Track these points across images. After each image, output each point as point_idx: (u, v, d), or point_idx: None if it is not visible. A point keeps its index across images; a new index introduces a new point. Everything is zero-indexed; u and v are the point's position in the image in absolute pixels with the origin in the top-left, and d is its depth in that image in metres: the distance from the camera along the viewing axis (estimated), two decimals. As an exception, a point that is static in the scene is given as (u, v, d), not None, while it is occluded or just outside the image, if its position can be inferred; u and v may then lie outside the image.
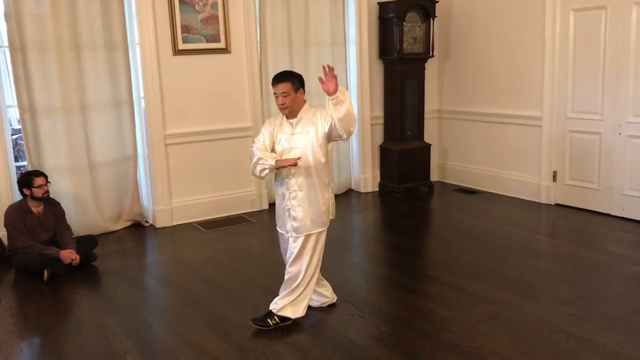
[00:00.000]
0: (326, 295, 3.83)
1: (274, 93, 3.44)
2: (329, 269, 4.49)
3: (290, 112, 3.45)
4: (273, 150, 3.52)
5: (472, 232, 5.31)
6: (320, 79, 3.23)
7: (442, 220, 6.08)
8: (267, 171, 3.39)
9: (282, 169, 3.41)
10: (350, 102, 3.27)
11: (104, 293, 4.30)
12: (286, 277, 3.57)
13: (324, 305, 3.82)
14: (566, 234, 5.28)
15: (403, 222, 5.81)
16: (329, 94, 3.20)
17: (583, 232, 5.21)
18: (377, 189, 6.93)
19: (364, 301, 3.95)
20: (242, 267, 4.65)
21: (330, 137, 3.44)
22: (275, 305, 3.54)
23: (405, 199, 6.56)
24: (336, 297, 3.88)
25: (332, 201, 3.61)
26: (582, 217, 5.62)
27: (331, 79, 3.18)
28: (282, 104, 3.41)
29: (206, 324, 3.65)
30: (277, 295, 3.60)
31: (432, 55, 6.68)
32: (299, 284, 3.53)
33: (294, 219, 3.50)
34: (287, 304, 3.54)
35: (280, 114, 3.54)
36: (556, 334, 3.37)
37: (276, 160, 3.35)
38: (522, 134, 6.25)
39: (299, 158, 3.36)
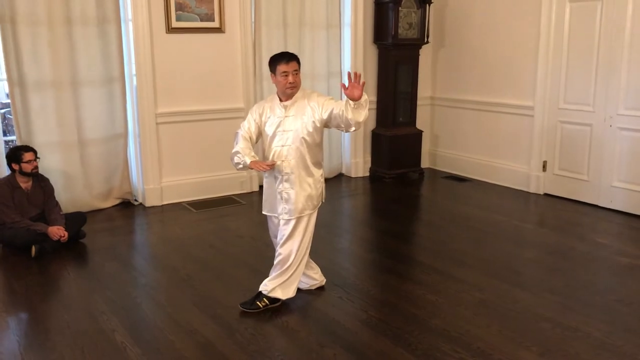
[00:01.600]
0: (315, 277, 3.84)
1: (284, 72, 3.36)
2: (318, 253, 4.50)
3: (293, 93, 3.43)
4: (259, 136, 3.53)
5: (461, 220, 5.34)
6: (343, 85, 3.22)
7: (432, 206, 6.11)
8: (241, 166, 3.41)
9: (270, 154, 3.47)
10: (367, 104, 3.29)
11: (91, 271, 4.28)
12: (277, 259, 3.57)
13: (313, 287, 3.84)
14: (554, 223, 5.32)
15: (393, 208, 5.82)
16: (353, 99, 3.19)
17: (570, 222, 5.25)
18: (367, 174, 6.94)
19: (353, 285, 3.97)
20: (231, 248, 4.65)
21: (328, 124, 3.43)
22: (266, 287, 3.55)
23: (396, 184, 6.57)
24: (325, 280, 3.90)
25: (323, 185, 3.61)
26: (570, 207, 5.66)
27: (358, 86, 3.17)
28: (292, 83, 3.37)
29: (195, 303, 3.65)
30: (267, 277, 3.60)
31: (427, 42, 6.66)
32: (289, 265, 3.54)
33: (286, 201, 3.49)
34: (278, 286, 3.55)
35: (269, 97, 3.53)
36: (542, 321, 3.41)
37: (252, 161, 3.35)
38: (513, 123, 6.26)
39: (274, 164, 3.41)
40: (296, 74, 3.38)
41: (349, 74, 3.23)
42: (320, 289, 3.87)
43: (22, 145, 4.79)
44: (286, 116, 3.44)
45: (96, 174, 5.52)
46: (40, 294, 3.84)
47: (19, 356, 3.06)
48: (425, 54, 6.90)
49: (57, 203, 4.81)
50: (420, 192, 6.52)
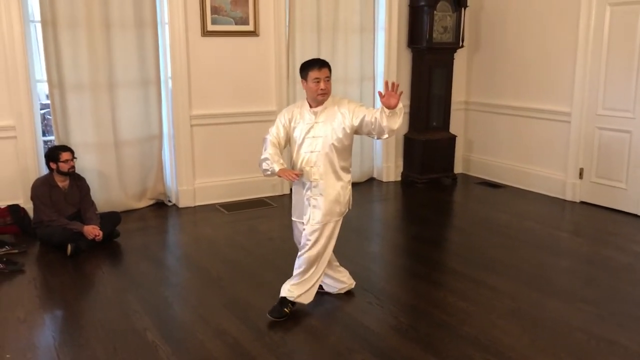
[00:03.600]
0: (343, 281, 3.82)
1: (316, 78, 3.35)
2: (348, 257, 4.49)
3: (324, 99, 3.42)
4: (287, 141, 3.53)
5: (494, 226, 5.26)
6: (380, 93, 3.22)
7: (464, 212, 6.03)
8: (269, 173, 3.39)
9: (297, 162, 3.47)
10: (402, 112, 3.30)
11: (125, 270, 4.36)
12: (301, 265, 3.53)
13: (342, 291, 3.83)
14: (590, 232, 5.20)
15: (424, 213, 5.77)
16: (389, 108, 3.20)
17: (607, 232, 5.13)
18: (399, 178, 6.89)
19: (383, 290, 3.95)
20: (262, 250, 4.67)
21: (359, 131, 3.43)
22: (292, 294, 3.51)
23: (428, 189, 6.51)
24: (354, 283, 3.88)
25: (350, 191, 3.59)
26: (607, 216, 5.52)
27: (395, 95, 3.18)
28: (324, 89, 3.36)
29: (225, 305, 3.68)
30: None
31: (462, 46, 6.59)
32: (314, 271, 3.52)
33: (314, 207, 3.47)
34: (303, 292, 3.52)
35: (299, 103, 3.54)
36: (577, 332, 3.33)
37: (280, 169, 3.33)
38: (549, 129, 6.15)
39: (301, 173, 3.41)
40: (328, 80, 3.38)
41: (386, 83, 3.22)
42: (349, 293, 3.85)
43: (60, 145, 4.90)
44: (316, 122, 3.43)
45: (131, 174, 5.61)
46: (75, 292, 3.92)
47: (53, 352, 3.13)
48: (460, 58, 6.83)
49: (92, 202, 4.90)
50: (453, 198, 6.45)
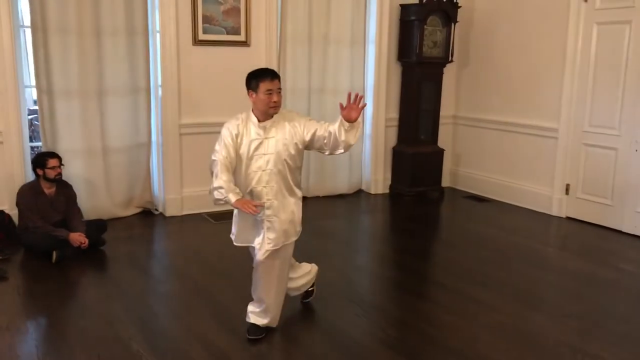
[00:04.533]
0: (306, 270, 3.69)
1: (268, 90, 3.11)
2: (336, 269, 4.50)
3: (275, 112, 3.19)
4: (236, 162, 3.19)
5: (481, 240, 5.29)
6: (341, 105, 3.07)
7: (452, 226, 6.06)
8: (221, 202, 3.08)
9: (253, 176, 3.18)
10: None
11: (110, 278, 4.32)
12: (268, 292, 3.34)
13: (309, 288, 3.74)
14: (576, 248, 5.24)
15: (412, 226, 5.79)
16: (350, 121, 3.06)
17: (593, 247, 5.17)
18: (387, 191, 6.91)
19: (370, 303, 3.94)
20: (249, 260, 4.61)
21: (310, 146, 3.24)
22: (264, 321, 3.38)
23: (415, 202, 6.53)
24: (316, 267, 3.77)
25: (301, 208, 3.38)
26: (593, 232, 5.57)
27: (357, 108, 3.05)
28: (277, 102, 3.14)
29: (211, 315, 3.65)
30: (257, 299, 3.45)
31: (451, 60, 6.65)
32: (277, 295, 3.39)
33: (269, 229, 3.23)
34: (271, 318, 3.39)
35: (241, 116, 3.22)
36: (562, 347, 3.34)
37: (237, 200, 2.99)
38: (536, 145, 6.21)
39: (263, 204, 3.14)
40: (279, 92, 3.16)
41: (349, 95, 3.09)
42: (336, 305, 3.83)
43: (48, 152, 4.87)
44: (266, 138, 3.17)
45: (118, 182, 5.57)
46: (59, 299, 3.88)
47: (36, 360, 3.09)
48: (449, 73, 6.89)
49: (79, 210, 4.86)
50: (440, 211, 6.48)
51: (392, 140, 6.88)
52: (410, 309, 3.85)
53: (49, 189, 4.70)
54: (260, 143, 3.18)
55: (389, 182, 6.94)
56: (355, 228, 5.89)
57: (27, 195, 4.63)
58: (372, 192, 6.84)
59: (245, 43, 5.83)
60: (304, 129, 3.20)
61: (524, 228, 5.69)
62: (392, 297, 4.15)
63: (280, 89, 3.18)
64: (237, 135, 3.17)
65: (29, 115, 5.66)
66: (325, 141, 3.17)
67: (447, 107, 7.05)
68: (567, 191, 5.95)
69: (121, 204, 5.63)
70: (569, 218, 5.95)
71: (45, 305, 3.79)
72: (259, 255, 3.27)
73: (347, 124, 3.08)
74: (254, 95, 3.17)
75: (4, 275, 4.15)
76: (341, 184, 6.69)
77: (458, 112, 7.17)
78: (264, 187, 3.19)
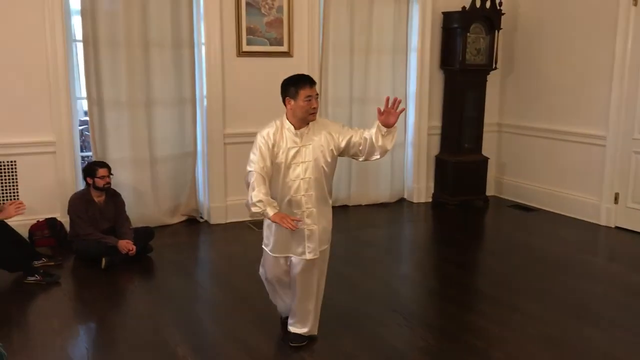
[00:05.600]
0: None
1: (308, 96, 3.08)
2: (377, 277, 4.49)
3: (313, 119, 3.18)
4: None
5: (527, 251, 5.19)
6: (379, 110, 3.07)
7: (496, 235, 5.96)
8: (260, 216, 3.04)
9: (291, 182, 3.12)
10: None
11: (157, 284, 4.42)
12: (308, 300, 3.33)
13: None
14: (626, 258, 5.09)
15: (455, 236, 5.73)
16: (387, 126, 3.07)
17: (644, 258, 5.01)
18: (430, 199, 6.85)
19: (412, 312, 3.92)
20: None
21: (344, 153, 3.23)
22: (304, 330, 3.39)
23: (459, 212, 6.46)
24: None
25: None
26: (644, 242, 5.40)
27: (395, 113, 3.07)
28: (316, 108, 3.13)
29: (253, 322, 3.69)
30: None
31: (495, 68, 6.57)
32: (319, 300, 3.41)
33: (309, 238, 3.19)
34: (311, 326, 3.40)
35: (275, 124, 3.18)
36: (611, 361, 3.26)
37: (275, 215, 2.95)
38: (584, 153, 6.06)
39: (300, 220, 3.07)
40: (317, 98, 3.15)
41: (387, 99, 3.08)
42: (378, 311, 3.83)
43: (98, 161, 5.03)
44: (303, 145, 3.14)
45: (165, 190, 5.71)
46: (108, 305, 3.99)
47: (86, 363, 3.19)
48: (493, 80, 6.80)
49: (127, 217, 5.00)
50: (485, 221, 6.39)
51: (435, 149, 6.83)
52: (453, 319, 3.81)
53: (98, 198, 4.85)
54: (298, 151, 3.14)
55: (431, 190, 6.88)
56: (398, 237, 5.87)
57: (78, 203, 4.78)
58: (415, 200, 6.80)
59: (287, 54, 5.90)
60: (339, 136, 3.18)
61: (571, 238, 5.56)
62: (434, 307, 4.11)
63: (317, 94, 3.17)
64: (273, 145, 3.12)
65: (79, 125, 5.86)
66: (360, 147, 3.17)
67: (491, 115, 6.96)
68: (616, 200, 5.79)
69: (167, 212, 5.76)
70: (618, 228, 5.78)
71: (95, 310, 3.91)
72: (300, 266, 3.24)
73: (384, 129, 3.08)
74: (291, 103, 3.13)
75: (56, 280, 4.30)
76: (383, 193, 6.67)
77: (502, 120, 7.07)
78: (303, 195, 3.15)
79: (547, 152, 6.49)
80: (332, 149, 3.17)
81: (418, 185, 6.79)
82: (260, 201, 2.97)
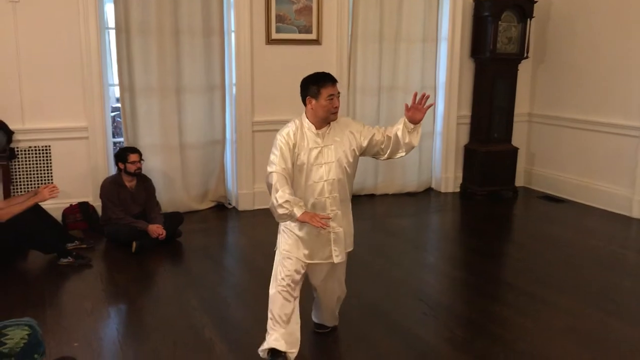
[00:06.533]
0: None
1: (330, 95, 2.94)
2: (404, 267, 4.50)
3: (335, 118, 3.05)
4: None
5: (556, 242, 5.13)
6: (407, 106, 2.99)
7: (525, 227, 5.91)
8: (286, 218, 2.88)
9: (316, 186, 2.99)
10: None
11: (186, 268, 4.51)
12: (329, 305, 3.33)
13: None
14: (658, 252, 5.00)
15: (483, 226, 5.69)
16: (414, 122, 2.99)
17: (677, 252, 4.92)
18: (458, 189, 6.81)
19: (437, 302, 3.92)
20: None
21: (367, 152, 3.12)
22: (330, 325, 3.43)
23: (487, 202, 6.41)
24: None
25: None
26: (677, 236, 5.30)
27: (422, 109, 2.98)
28: (338, 107, 2.99)
29: (280, 307, 3.73)
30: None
31: (527, 57, 6.47)
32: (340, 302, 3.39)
33: (335, 242, 3.07)
34: (336, 320, 3.43)
35: (295, 123, 3.03)
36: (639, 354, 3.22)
37: (303, 214, 2.81)
38: (616, 144, 5.95)
39: (330, 217, 2.94)
40: (339, 96, 3.01)
41: (415, 95, 3.01)
42: (404, 301, 3.84)
43: (130, 147, 5.12)
44: (325, 146, 3.01)
45: (194, 176, 5.78)
46: (138, 287, 4.09)
47: (117, 343, 3.27)
48: (524, 69, 6.70)
49: (157, 203, 5.09)
50: (513, 212, 6.33)
51: (464, 138, 6.77)
52: (479, 309, 3.81)
53: (129, 183, 4.95)
54: (320, 151, 2.99)
55: (460, 180, 6.83)
56: (425, 227, 5.86)
57: (110, 188, 4.89)
58: (442, 190, 6.77)
59: (316, 41, 5.90)
60: (361, 135, 3.06)
61: (601, 230, 5.48)
62: (460, 297, 4.11)
63: (339, 93, 3.03)
64: (294, 145, 2.96)
65: (112, 112, 5.97)
66: (382, 146, 3.07)
67: (522, 105, 6.87)
68: (649, 193, 5.68)
69: (196, 197, 5.85)
70: (651, 221, 5.68)
71: (125, 292, 4.01)
72: (325, 271, 3.13)
73: (410, 125, 2.99)
74: (312, 102, 2.98)
75: (88, 263, 4.42)
76: (410, 182, 6.66)
77: (533, 110, 6.97)
78: (327, 197, 3.01)
79: (578, 142, 6.38)
80: (354, 149, 3.05)
81: (446, 175, 6.76)
82: (287, 202, 2.81)
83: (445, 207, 6.38)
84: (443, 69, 6.51)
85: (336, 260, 3.07)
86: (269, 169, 2.94)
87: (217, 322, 3.52)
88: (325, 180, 3.00)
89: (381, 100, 6.33)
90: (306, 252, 3.03)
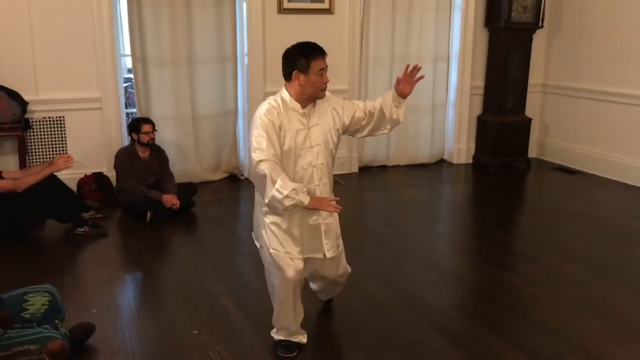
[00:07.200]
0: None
1: (321, 69, 2.65)
2: (415, 238, 4.52)
3: (324, 95, 2.77)
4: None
5: (568, 213, 5.13)
6: (398, 79, 2.79)
7: (537, 198, 5.90)
8: (291, 209, 2.56)
9: (304, 172, 2.70)
10: None
11: (200, 238, 4.56)
12: (333, 292, 3.24)
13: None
14: (671, 223, 4.99)
15: (495, 197, 5.69)
16: (403, 96, 2.80)
17: (691, 223, 4.90)
18: (470, 161, 6.79)
19: (449, 271, 3.96)
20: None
21: (347, 131, 2.87)
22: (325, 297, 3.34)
23: (500, 173, 6.39)
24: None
25: None
26: (691, 207, 5.27)
27: (412, 82, 2.78)
28: (327, 82, 2.71)
29: (293, 276, 3.78)
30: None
31: (542, 26, 6.37)
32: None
33: (326, 234, 2.81)
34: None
35: (277, 101, 2.69)
36: (650, 324, 3.24)
37: (312, 200, 2.53)
38: (632, 115, 5.88)
39: (337, 199, 2.65)
40: (327, 70, 2.71)
41: (407, 67, 2.78)
42: (415, 269, 3.88)
43: (143, 117, 5.14)
44: (311, 127, 2.71)
45: (206, 147, 5.81)
46: (153, 256, 4.16)
47: (134, 310, 3.34)
48: (539, 39, 6.61)
49: (171, 173, 5.12)
50: (526, 183, 6.31)
51: (477, 109, 6.72)
52: (490, 278, 3.83)
53: (143, 153, 4.98)
54: (307, 134, 2.68)
55: (472, 152, 6.81)
56: (437, 197, 5.87)
57: (124, 158, 4.93)
58: (455, 161, 6.75)
59: (329, 11, 5.85)
60: (343, 112, 2.80)
61: (615, 202, 5.46)
62: (472, 267, 4.13)
63: (327, 66, 2.71)
64: (280, 127, 2.62)
65: (124, 83, 5.98)
66: (363, 123, 2.84)
67: (536, 75, 6.79)
68: (664, 164, 5.64)
69: (209, 168, 5.88)
70: (665, 192, 5.65)
71: (141, 261, 4.08)
72: (325, 263, 2.89)
73: (399, 99, 2.80)
74: (301, 78, 2.64)
75: (104, 232, 4.48)
76: (422, 153, 6.64)
77: (547, 81, 6.89)
78: (317, 185, 2.72)
79: (593, 113, 6.32)
80: (337, 128, 2.78)
81: (458, 146, 6.73)
82: (293, 190, 2.49)
83: (458, 178, 6.38)
84: (457, 38, 6.44)
85: (328, 254, 2.82)
86: (256, 157, 2.55)
87: (231, 290, 3.57)
88: (314, 166, 2.71)
89: (394, 71, 6.27)
90: (298, 248, 2.76)
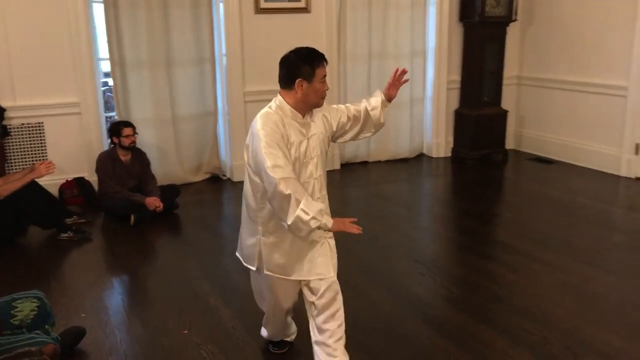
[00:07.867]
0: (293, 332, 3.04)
1: (323, 76, 2.50)
2: (399, 230, 4.59)
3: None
4: None
5: (546, 202, 5.24)
6: (389, 83, 2.77)
7: (516, 188, 6.01)
8: (315, 230, 2.38)
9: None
10: None
11: (185, 239, 4.57)
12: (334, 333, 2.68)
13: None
14: (646, 208, 5.13)
15: (475, 189, 5.78)
16: (390, 99, 2.77)
17: (664, 208, 5.04)
18: (449, 154, 6.88)
19: (434, 262, 4.02)
20: (315, 222, 4.79)
21: (334, 137, 2.74)
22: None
23: (478, 166, 6.49)
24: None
25: None
26: (664, 192, 5.42)
27: (399, 85, 2.76)
28: (327, 90, 2.56)
29: (280, 273, 3.82)
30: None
31: (515, 19, 6.49)
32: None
33: (333, 251, 2.64)
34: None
35: (277, 111, 2.50)
36: (629, 307, 3.34)
37: (335, 221, 2.37)
38: (604, 104, 6.03)
39: (356, 220, 2.44)
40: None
41: (396, 71, 2.75)
42: (402, 264, 3.94)
43: (123, 121, 5.13)
44: (310, 137, 2.54)
45: (187, 149, 5.81)
46: (139, 258, 4.16)
47: (123, 312, 3.35)
48: (513, 32, 6.72)
49: (153, 176, 5.11)
50: (504, 174, 6.42)
51: (454, 103, 6.82)
52: (474, 268, 3.91)
53: (124, 156, 4.97)
54: (307, 145, 2.52)
55: (451, 145, 6.90)
56: (418, 191, 5.94)
57: (105, 162, 4.91)
58: (434, 155, 6.84)
59: (305, 9, 5.88)
60: (331, 117, 2.67)
61: (591, 189, 5.59)
62: (456, 257, 4.21)
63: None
64: (287, 140, 2.46)
65: (102, 87, 5.94)
66: (347, 127, 2.72)
67: (511, 68, 6.91)
68: (637, 151, 5.78)
69: (191, 170, 5.88)
70: (638, 179, 5.79)
71: (127, 264, 4.07)
72: (321, 285, 2.57)
73: (386, 103, 2.77)
74: (304, 85, 2.47)
75: (88, 237, 4.47)
76: (402, 148, 6.72)
77: (522, 73, 7.01)
78: (318, 197, 2.54)
79: (567, 104, 6.46)
80: (328, 136, 2.66)
81: (437, 140, 6.82)
82: (320, 211, 2.32)
83: (438, 172, 6.47)
84: (432, 34, 6.52)
85: (329, 277, 2.59)
86: (276, 175, 2.30)
87: (219, 290, 3.60)
88: (315, 178, 2.55)
89: (372, 67, 6.34)
90: (286, 266, 2.56)
